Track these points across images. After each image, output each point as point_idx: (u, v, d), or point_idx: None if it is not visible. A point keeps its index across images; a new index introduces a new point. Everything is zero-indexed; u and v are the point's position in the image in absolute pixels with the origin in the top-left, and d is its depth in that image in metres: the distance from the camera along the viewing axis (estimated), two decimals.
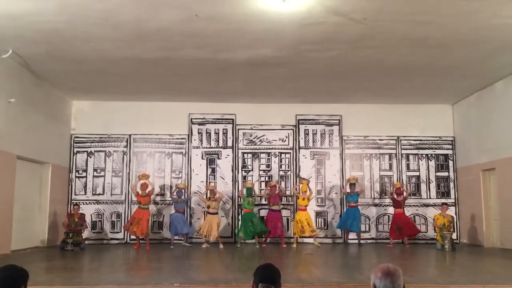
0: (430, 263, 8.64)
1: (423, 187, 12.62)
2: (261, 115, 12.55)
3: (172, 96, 11.96)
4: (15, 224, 9.45)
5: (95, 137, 12.41)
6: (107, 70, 9.82)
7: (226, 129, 12.59)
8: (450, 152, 12.75)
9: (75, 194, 12.19)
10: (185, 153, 12.48)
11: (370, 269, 2.66)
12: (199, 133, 12.56)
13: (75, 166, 12.32)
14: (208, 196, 11.24)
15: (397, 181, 12.24)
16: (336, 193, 12.46)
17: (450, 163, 12.73)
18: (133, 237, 11.39)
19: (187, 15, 7.04)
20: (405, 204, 11.97)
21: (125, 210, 12.17)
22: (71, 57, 9.01)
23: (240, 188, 12.01)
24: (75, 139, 12.40)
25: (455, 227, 12.07)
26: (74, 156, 12.35)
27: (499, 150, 10.65)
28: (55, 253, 9.69)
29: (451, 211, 12.09)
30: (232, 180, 12.41)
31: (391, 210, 11.93)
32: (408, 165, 12.70)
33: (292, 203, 12.23)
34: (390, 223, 11.90)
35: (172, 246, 10.88)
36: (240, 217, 11.66)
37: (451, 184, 12.63)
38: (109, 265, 8.19)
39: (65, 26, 7.48)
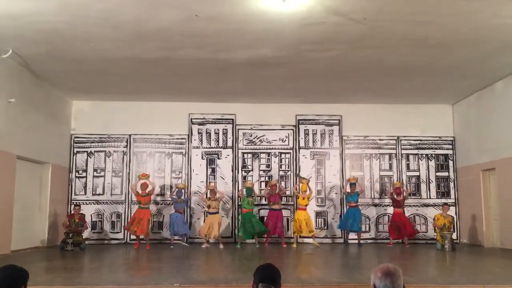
0: (430, 263, 8.63)
1: (423, 187, 12.62)
2: (261, 115, 12.55)
3: (172, 96, 11.96)
4: (15, 224, 9.45)
5: (95, 137, 12.41)
6: (107, 70, 9.82)
7: (226, 129, 12.59)
8: (450, 152, 12.75)
9: (75, 194, 12.19)
10: (185, 153, 12.48)
11: (370, 269, 2.66)
12: (199, 133, 12.57)
13: (75, 166, 12.32)
14: (208, 196, 11.23)
15: (397, 181, 12.25)
16: (336, 193, 12.46)
17: (450, 163, 12.73)
18: (133, 237, 11.39)
19: (187, 15, 7.04)
20: (405, 204, 12.00)
21: (125, 210, 12.17)
22: (71, 57, 9.01)
23: (240, 188, 12.01)
24: (75, 139, 12.40)
25: (455, 227, 12.07)
26: (74, 156, 12.35)
27: (499, 150, 10.65)
28: (55, 253, 9.69)
29: (451, 211, 12.07)
30: (232, 180, 12.41)
31: (391, 210, 11.93)
32: (408, 165, 12.71)
33: (292, 203, 12.23)
34: (389, 223, 11.90)
35: (172, 246, 10.88)
36: (240, 217, 11.65)
37: (451, 184, 12.64)
38: (109, 265, 8.19)
39: (65, 26, 7.48)
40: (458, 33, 7.77)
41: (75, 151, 12.37)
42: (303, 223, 11.00)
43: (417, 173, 12.69)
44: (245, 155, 12.57)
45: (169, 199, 11.92)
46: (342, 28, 7.53)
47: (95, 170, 12.35)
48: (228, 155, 12.51)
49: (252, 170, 12.50)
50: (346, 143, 12.70)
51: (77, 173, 12.30)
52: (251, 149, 12.59)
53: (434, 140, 12.78)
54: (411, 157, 12.73)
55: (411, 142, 12.76)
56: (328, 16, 7.06)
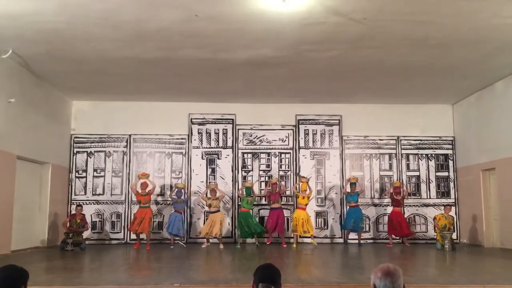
0: (430, 263, 8.63)
1: (423, 187, 12.62)
2: (261, 115, 12.55)
3: (172, 96, 11.96)
4: (15, 224, 9.45)
5: (95, 137, 12.41)
6: (107, 70, 9.82)
7: (226, 129, 12.59)
8: (450, 152, 12.75)
9: (75, 194, 12.19)
10: (185, 153, 12.48)
11: (370, 269, 2.66)
12: (199, 133, 12.56)
13: (75, 166, 12.32)
14: (209, 196, 11.23)
15: (396, 180, 12.26)
16: (336, 193, 12.46)
17: (450, 163, 12.73)
18: (133, 236, 11.41)
19: (187, 15, 7.04)
20: (405, 204, 12.02)
21: (125, 210, 12.18)
22: (71, 57, 9.01)
23: (239, 188, 12.01)
24: (75, 139, 12.40)
25: (455, 227, 12.07)
26: (74, 156, 12.35)
27: (499, 150, 10.65)
28: (55, 253, 9.69)
29: (451, 211, 12.06)
30: (232, 180, 12.41)
31: (390, 209, 11.91)
32: (408, 165, 12.71)
33: (292, 203, 12.23)
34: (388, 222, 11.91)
35: (172, 246, 10.89)
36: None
37: (451, 184, 12.64)
38: (109, 265, 8.19)
39: (65, 26, 7.48)
40: (458, 33, 7.77)
41: (75, 151, 12.37)
42: (300, 223, 11.01)
43: (417, 173, 12.70)
44: (245, 155, 12.56)
45: (169, 199, 11.92)
46: (342, 28, 7.53)
47: (95, 170, 12.35)
48: (228, 155, 12.51)
49: (252, 170, 12.50)
50: (346, 143, 12.70)
51: (77, 173, 12.30)
52: (251, 149, 12.59)
53: (434, 140, 12.78)
54: (411, 157, 12.73)
55: (411, 142, 12.76)
56: (328, 16, 7.06)
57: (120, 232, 12.07)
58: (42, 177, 11.02)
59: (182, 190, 11.39)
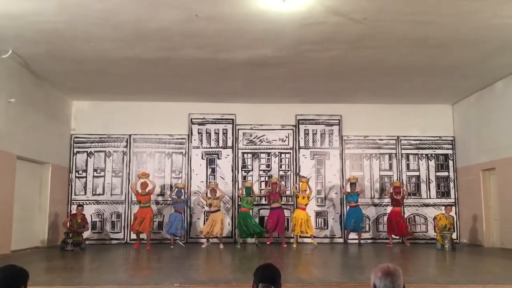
0: (430, 263, 8.63)
1: (423, 187, 12.63)
2: (261, 115, 12.55)
3: (172, 96, 11.96)
4: (15, 224, 9.45)
5: (95, 137, 12.41)
6: (107, 70, 9.82)
7: (226, 129, 12.59)
8: (450, 152, 12.75)
9: (75, 194, 12.19)
10: (185, 153, 12.48)
11: (370, 269, 2.66)
12: (199, 133, 12.57)
13: (75, 166, 12.32)
14: (209, 195, 11.23)
15: (396, 180, 12.26)
16: (336, 193, 12.46)
17: (450, 163, 12.73)
18: (133, 236, 11.41)
19: (187, 15, 7.04)
20: (405, 203, 12.02)
21: (125, 210, 12.18)
22: (71, 57, 9.01)
23: (239, 187, 12.01)
24: (75, 139, 12.40)
25: (455, 227, 12.07)
26: (74, 156, 12.35)
27: (499, 150, 10.65)
28: (55, 253, 9.69)
29: (452, 211, 12.07)
30: (232, 180, 12.41)
31: (390, 209, 11.91)
32: (408, 165, 12.71)
33: (292, 203, 12.23)
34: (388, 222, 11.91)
35: (172, 246, 10.89)
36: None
37: (451, 184, 12.64)
38: (109, 265, 8.18)
39: (65, 26, 7.48)
40: (458, 33, 7.77)
41: (75, 151, 12.37)
42: (298, 223, 11.02)
43: (417, 173, 12.70)
44: (245, 155, 12.57)
45: (169, 199, 11.92)
46: (342, 28, 7.53)
47: (95, 170, 12.35)
48: (228, 155, 12.51)
49: (252, 170, 12.50)
50: (346, 143, 12.70)
51: (77, 173, 12.30)
52: (251, 149, 12.59)
53: (434, 140, 12.78)
54: (411, 157, 12.74)
55: (411, 142, 12.76)
56: (328, 16, 7.06)
57: (120, 232, 12.08)
58: (42, 177, 11.02)
59: (182, 190, 11.39)
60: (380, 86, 11.12)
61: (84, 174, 12.32)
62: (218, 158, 12.48)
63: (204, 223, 11.66)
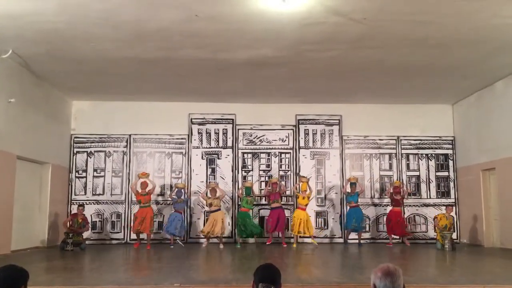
0: (430, 263, 8.64)
1: (423, 187, 12.63)
2: (261, 115, 12.55)
3: (172, 96, 11.96)
4: (15, 224, 9.45)
5: (95, 137, 12.41)
6: (107, 70, 9.82)
7: (226, 129, 12.59)
8: (450, 152, 12.75)
9: (75, 194, 12.19)
10: (185, 153, 12.48)
11: (370, 269, 2.66)
12: (199, 133, 12.57)
13: (75, 166, 12.32)
14: (209, 195, 11.23)
15: (396, 180, 12.26)
16: (336, 193, 12.46)
17: (450, 163, 12.73)
18: (133, 236, 11.41)
19: (187, 15, 7.04)
20: (405, 203, 12.03)
21: (125, 210, 12.18)
22: (71, 57, 9.01)
23: (239, 187, 12.01)
24: (75, 139, 12.40)
25: (455, 227, 12.07)
26: (74, 156, 12.35)
27: (499, 150, 10.65)
28: (55, 253, 9.69)
29: (452, 211, 12.07)
30: (232, 180, 12.41)
31: (389, 210, 11.91)
32: (408, 165, 12.71)
33: (292, 203, 12.23)
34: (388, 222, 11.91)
35: (172, 246, 10.89)
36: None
37: (451, 184, 12.64)
38: (109, 265, 8.18)
39: (65, 26, 7.48)
40: (458, 33, 7.77)
41: (75, 151, 12.37)
42: (297, 223, 11.02)
43: (417, 173, 12.70)
44: (245, 155, 12.57)
45: (169, 199, 11.92)
46: (342, 28, 7.53)
47: (95, 170, 12.35)
48: (228, 155, 12.51)
49: (252, 170, 12.50)
50: (346, 143, 12.70)
51: (77, 173, 12.30)
52: (251, 149, 12.59)
53: (434, 140, 12.78)
54: (411, 157, 12.74)
55: (411, 142, 12.76)
56: (328, 16, 7.06)
57: (120, 232, 12.08)
58: (42, 177, 11.02)
59: (182, 190, 11.39)
60: (380, 86, 11.12)
61: (84, 174, 12.32)
62: (218, 158, 12.48)
63: (204, 223, 11.67)
